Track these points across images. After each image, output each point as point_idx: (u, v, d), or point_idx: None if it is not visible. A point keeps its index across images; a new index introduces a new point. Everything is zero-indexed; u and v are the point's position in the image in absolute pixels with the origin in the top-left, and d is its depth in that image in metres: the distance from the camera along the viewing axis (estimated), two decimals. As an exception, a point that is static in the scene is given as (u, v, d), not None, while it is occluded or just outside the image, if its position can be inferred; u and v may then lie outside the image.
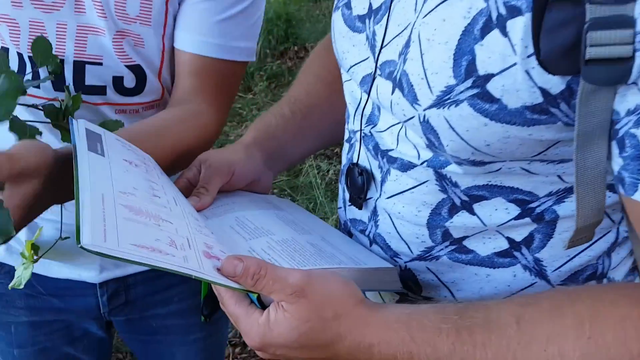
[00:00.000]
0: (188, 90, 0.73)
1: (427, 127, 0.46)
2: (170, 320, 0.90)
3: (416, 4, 0.47)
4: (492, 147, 0.44)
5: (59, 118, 0.63)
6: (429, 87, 0.45)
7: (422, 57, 0.45)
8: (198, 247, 0.46)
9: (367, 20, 0.53)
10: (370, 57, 0.53)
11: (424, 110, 0.46)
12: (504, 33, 0.40)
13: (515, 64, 0.40)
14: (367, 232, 0.59)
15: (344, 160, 0.63)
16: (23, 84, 0.57)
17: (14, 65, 0.71)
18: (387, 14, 0.50)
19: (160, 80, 0.76)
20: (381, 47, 0.51)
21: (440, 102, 0.44)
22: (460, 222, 0.51)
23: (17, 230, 0.49)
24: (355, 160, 0.58)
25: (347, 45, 0.56)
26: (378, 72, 0.51)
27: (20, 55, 0.70)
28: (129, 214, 0.44)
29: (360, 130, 0.57)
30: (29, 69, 0.71)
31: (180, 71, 0.74)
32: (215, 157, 0.63)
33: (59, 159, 0.51)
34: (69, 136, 0.60)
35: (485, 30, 0.41)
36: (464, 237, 0.52)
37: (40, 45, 0.64)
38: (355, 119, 0.58)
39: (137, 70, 0.73)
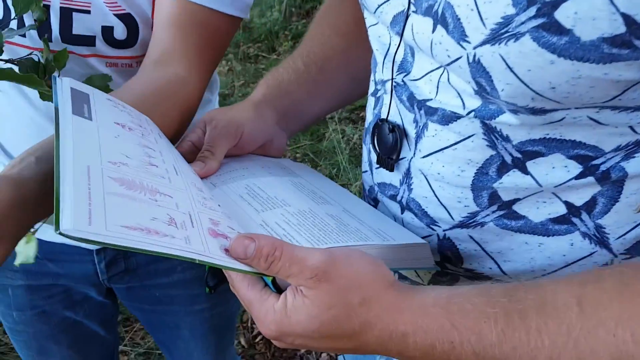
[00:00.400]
0: (167, 48, 0.63)
1: (478, 69, 0.39)
2: (174, 290, 0.86)
3: None
4: (558, 90, 0.37)
5: (38, 74, 0.56)
6: (481, 19, 0.37)
7: None
8: (202, 225, 0.40)
9: None
10: None
11: (474, 48, 0.38)
12: None
13: None
14: (398, 198, 0.52)
15: (369, 117, 0.56)
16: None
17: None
18: None
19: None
20: None
21: (495, 36, 0.37)
22: (511, 183, 0.44)
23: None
24: (384, 116, 0.51)
25: None
26: (412, 8, 0.44)
27: (4, 1, 0.65)
28: (119, 189, 0.38)
29: (392, 79, 0.50)
30: (14, 14, 0.64)
31: (160, 21, 0.65)
32: (222, 117, 0.57)
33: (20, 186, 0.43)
34: (50, 96, 0.54)
35: None
36: (515, 201, 0.45)
37: None
38: (385, 68, 0.50)
39: (128, 20, 0.66)
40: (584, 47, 0.34)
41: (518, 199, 0.45)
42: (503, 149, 0.43)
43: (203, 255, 0.36)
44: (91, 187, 0.36)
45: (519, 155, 0.43)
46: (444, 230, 0.50)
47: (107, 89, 0.61)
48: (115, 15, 0.66)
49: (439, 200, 0.48)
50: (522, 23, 0.36)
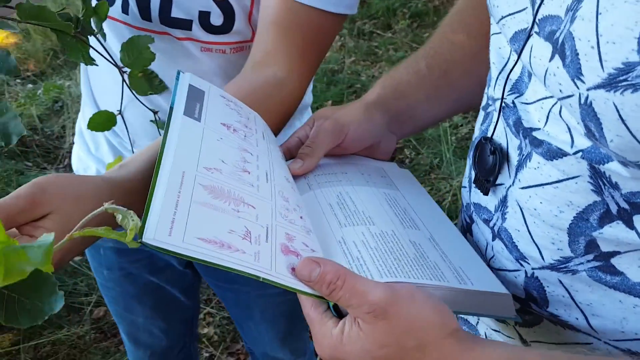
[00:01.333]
0: (269, 49, 0.63)
1: (589, 113, 0.35)
2: None
3: None
4: None
5: (75, 29, 0.54)
6: (600, 60, 0.34)
7: (597, 17, 0.34)
8: (277, 239, 0.41)
9: None
10: (528, 7, 0.40)
11: (588, 90, 0.35)
12: None
13: None
14: (491, 223, 0.48)
15: (476, 131, 0.52)
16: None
17: None
18: None
19: (250, 22, 0.68)
20: None
21: (612, 82, 0.33)
22: (612, 235, 0.40)
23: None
24: (489, 134, 0.47)
25: None
26: (535, 28, 0.40)
27: None
28: (206, 198, 0.40)
29: (502, 98, 0.45)
30: None
31: (263, 21, 0.64)
32: (329, 115, 0.56)
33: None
34: (77, 53, 0.54)
35: None
36: (614, 254, 0.41)
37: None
38: (498, 84, 0.46)
39: (226, 7, 0.66)
40: None
41: (618, 252, 0.40)
42: (610, 196, 0.39)
43: (268, 274, 0.37)
44: (181, 194, 0.38)
45: (627, 207, 0.39)
46: (532, 269, 0.46)
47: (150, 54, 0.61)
48: (214, 1, 0.65)
49: (531, 236, 0.44)
50: None
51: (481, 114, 0.52)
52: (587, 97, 0.35)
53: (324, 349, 0.40)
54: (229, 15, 0.66)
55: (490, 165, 0.46)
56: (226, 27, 0.67)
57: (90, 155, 0.83)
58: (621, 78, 0.33)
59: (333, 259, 0.42)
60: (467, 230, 0.53)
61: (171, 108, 0.46)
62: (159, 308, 0.96)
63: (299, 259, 0.40)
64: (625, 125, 0.34)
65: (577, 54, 0.35)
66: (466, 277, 0.43)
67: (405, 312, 0.37)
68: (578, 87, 0.36)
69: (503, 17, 0.44)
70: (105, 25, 0.64)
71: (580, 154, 0.39)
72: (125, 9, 0.68)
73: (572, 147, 0.40)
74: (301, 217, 0.46)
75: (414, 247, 0.45)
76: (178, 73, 0.51)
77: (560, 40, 0.37)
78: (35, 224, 0.42)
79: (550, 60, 0.38)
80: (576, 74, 0.35)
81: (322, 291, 0.38)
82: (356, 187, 0.52)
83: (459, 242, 0.49)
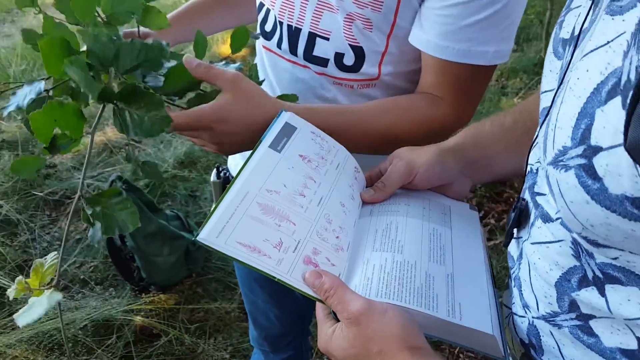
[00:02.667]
0: (429, 86, 0.73)
1: (548, 185, 0.41)
2: None
3: (587, 39, 0.39)
4: (597, 230, 0.37)
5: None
6: (553, 141, 0.39)
7: (560, 105, 0.39)
8: (303, 252, 0.51)
9: (567, 47, 0.44)
10: (555, 89, 0.45)
11: (547, 164, 0.40)
12: (624, 104, 0.32)
13: (622, 144, 0.33)
14: (512, 271, 0.53)
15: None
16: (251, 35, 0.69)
17: (270, 24, 0.82)
18: (574, 45, 0.41)
19: (379, 65, 0.76)
20: (560, 82, 0.42)
21: (555, 161, 0.39)
22: (586, 299, 0.44)
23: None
24: (522, 194, 0.52)
25: (547, 68, 0.48)
26: (555, 102, 0.44)
27: (275, 17, 0.80)
28: (257, 213, 0.51)
29: (526, 163, 0.52)
30: (278, 30, 0.80)
31: (424, 66, 0.73)
32: (404, 155, 0.63)
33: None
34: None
35: (611, 94, 0.34)
36: (591, 316, 0.44)
37: (239, 34, 0.71)
38: (532, 151, 0.51)
39: (358, 51, 0.74)
40: (611, 198, 0.34)
41: (594, 316, 0.44)
42: (586, 263, 0.43)
43: (281, 276, 0.48)
44: (238, 208, 0.50)
45: (600, 275, 0.42)
46: (532, 317, 0.50)
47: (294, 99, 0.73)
48: (349, 45, 0.74)
49: (532, 287, 0.49)
50: (572, 158, 0.37)
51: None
52: (546, 171, 0.40)
53: (321, 342, 0.50)
54: (359, 58, 0.75)
55: (513, 219, 0.52)
56: (356, 67, 0.76)
57: None
58: (560, 159, 0.38)
59: (352, 276, 0.52)
60: (511, 278, 0.56)
61: (261, 140, 0.57)
62: (275, 295, 1.06)
63: (316, 269, 0.50)
64: (563, 199, 0.38)
65: (547, 133, 0.41)
66: (459, 312, 0.49)
67: (374, 323, 0.46)
68: (543, 161, 0.41)
69: (542, 93, 0.49)
70: (264, 52, 0.78)
71: (560, 220, 0.44)
72: (279, 44, 0.80)
73: (555, 213, 0.45)
74: (337, 237, 0.54)
75: (425, 279, 0.51)
76: (280, 111, 0.61)
77: (549, 117, 0.42)
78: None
79: (541, 130, 0.43)
80: (544, 149, 0.41)
81: (321, 296, 0.49)
82: (409, 219, 0.59)
83: (477, 285, 0.53)
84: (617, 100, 0.33)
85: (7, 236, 2.12)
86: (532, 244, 0.49)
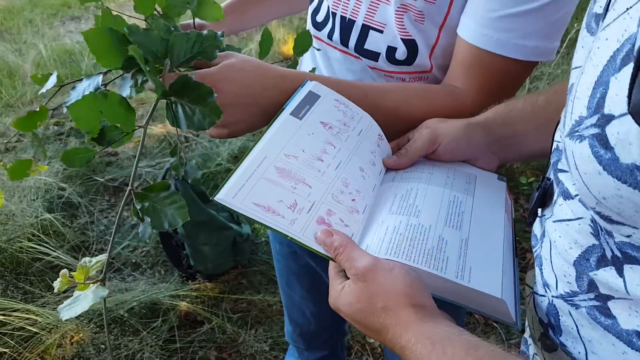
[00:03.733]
0: (454, 76, 0.70)
1: (566, 158, 0.39)
2: None
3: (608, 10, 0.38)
4: (609, 203, 0.36)
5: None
6: (572, 112, 0.38)
7: (581, 75, 0.38)
8: (317, 213, 0.52)
9: (599, 22, 0.42)
10: (583, 66, 0.42)
11: (565, 136, 0.39)
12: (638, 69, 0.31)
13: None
14: (534, 250, 0.52)
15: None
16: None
17: (323, 14, 0.81)
18: (603, 18, 0.39)
19: (430, 58, 0.73)
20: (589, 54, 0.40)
21: (572, 132, 0.38)
22: (604, 279, 0.42)
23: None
24: (548, 173, 0.50)
25: (579, 44, 0.46)
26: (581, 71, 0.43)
27: (328, 7, 0.80)
28: (274, 176, 0.52)
29: (552, 140, 0.51)
30: (330, 21, 0.80)
31: (455, 57, 0.70)
32: (430, 125, 0.63)
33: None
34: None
35: (625, 60, 0.33)
36: (610, 297, 0.43)
37: (303, 38, 0.71)
38: (558, 129, 0.49)
39: (411, 45, 0.72)
40: (621, 168, 0.33)
41: (612, 297, 0.42)
42: (605, 242, 0.41)
43: (295, 234, 0.50)
44: (256, 171, 0.51)
45: (619, 255, 0.40)
46: (552, 296, 0.49)
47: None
48: (401, 39, 0.72)
49: (552, 266, 0.48)
50: (587, 127, 0.36)
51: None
52: (564, 142, 0.39)
53: (330, 299, 0.51)
54: (412, 52, 0.73)
55: (535, 198, 0.50)
56: (408, 61, 0.74)
57: None
58: (575, 129, 0.37)
59: (365, 236, 0.53)
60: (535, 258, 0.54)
61: (283, 107, 0.59)
62: (312, 291, 1.05)
63: (328, 229, 0.51)
64: (578, 170, 0.37)
65: (567, 106, 0.40)
66: (468, 275, 0.49)
67: (380, 279, 0.46)
68: (563, 135, 0.40)
69: (572, 69, 0.47)
70: (314, 42, 0.78)
71: (578, 197, 0.42)
72: (330, 35, 0.80)
73: (574, 189, 0.43)
74: (353, 200, 0.55)
75: (437, 241, 0.52)
76: (305, 80, 0.61)
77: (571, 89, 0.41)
78: None
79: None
80: (564, 122, 0.40)
81: (331, 254, 0.50)
82: (431, 186, 0.59)
83: (492, 251, 0.53)
84: (630, 67, 0.32)
85: (68, 217, 2.23)
86: (554, 222, 0.48)
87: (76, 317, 1.73)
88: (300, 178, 0.54)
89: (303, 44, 0.70)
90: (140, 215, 0.54)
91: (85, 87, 0.61)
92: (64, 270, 0.54)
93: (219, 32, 0.63)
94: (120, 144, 0.58)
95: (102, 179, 2.45)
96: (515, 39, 0.64)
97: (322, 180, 0.55)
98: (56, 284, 0.54)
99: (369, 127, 0.64)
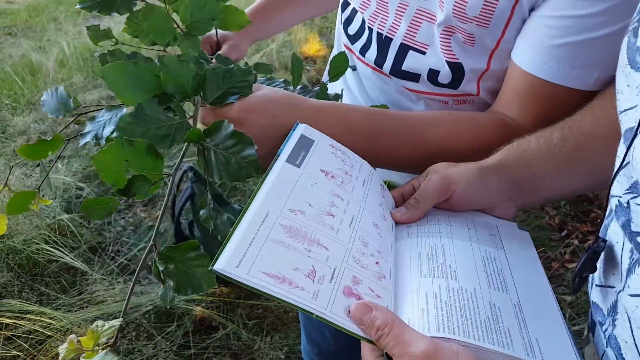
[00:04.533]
0: (506, 105, 0.63)
1: None
2: None
3: None
4: None
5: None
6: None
7: None
8: (342, 281, 0.43)
9: None
10: (638, 105, 0.37)
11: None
12: None
13: None
14: (603, 328, 0.43)
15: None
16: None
17: (356, 26, 0.76)
18: None
19: (478, 83, 0.66)
20: None
21: None
22: None
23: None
24: (603, 233, 0.42)
25: (622, 83, 0.40)
26: None
27: (363, 20, 0.73)
28: (282, 236, 0.43)
29: (608, 196, 0.42)
30: (366, 36, 0.74)
31: (506, 82, 0.64)
32: (440, 170, 0.55)
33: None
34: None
35: None
36: None
37: (339, 61, 0.66)
38: (616, 180, 0.41)
39: (457, 68, 0.66)
40: None
41: None
42: None
43: (322, 312, 0.40)
44: (259, 231, 0.42)
45: None
46: None
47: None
48: (447, 61, 0.66)
49: (637, 350, 0.40)
50: None
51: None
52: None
53: None
54: (457, 76, 0.66)
55: (581, 263, 0.42)
56: (453, 85, 0.67)
57: None
58: None
59: (401, 306, 0.43)
60: (591, 330, 0.47)
61: (278, 154, 0.51)
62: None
63: (364, 302, 0.41)
64: None
65: (630, 153, 0.32)
66: (538, 350, 0.41)
67: None
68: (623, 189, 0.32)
69: (621, 112, 0.41)
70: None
71: None
72: (363, 51, 0.74)
73: None
74: (377, 263, 0.46)
75: (490, 309, 0.43)
76: (296, 124, 0.55)
77: None
78: None
79: None
80: (626, 175, 0.32)
81: (371, 335, 0.39)
82: (455, 240, 0.51)
83: (550, 315, 0.45)
84: None
85: (84, 217, 2.22)
86: (633, 296, 0.39)
87: (89, 321, 1.71)
88: (314, 238, 0.45)
89: (339, 66, 0.65)
90: (162, 277, 0.49)
91: (106, 120, 0.56)
92: (72, 337, 0.48)
93: (248, 67, 0.58)
94: (146, 196, 0.53)
95: (120, 179, 2.44)
96: (578, 68, 0.58)
97: (338, 240, 0.47)
98: (62, 351, 0.47)
99: (370, 177, 0.58)
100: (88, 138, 0.56)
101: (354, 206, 0.51)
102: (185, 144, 0.52)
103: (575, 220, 2.19)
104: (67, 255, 1.94)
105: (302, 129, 0.55)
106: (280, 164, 0.50)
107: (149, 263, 2.01)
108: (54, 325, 1.68)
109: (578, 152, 0.54)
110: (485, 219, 0.56)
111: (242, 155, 0.48)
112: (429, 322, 0.41)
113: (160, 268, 0.48)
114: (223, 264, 0.38)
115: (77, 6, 0.64)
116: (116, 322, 0.48)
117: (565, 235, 2.11)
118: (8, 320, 1.66)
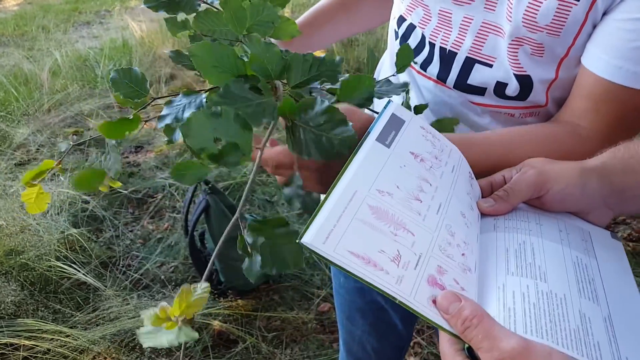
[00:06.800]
0: (579, 113, 0.62)
1: None
2: None
3: None
4: None
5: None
6: None
7: None
8: (426, 269, 0.42)
9: None
10: None
11: None
12: None
13: None
14: None
15: None
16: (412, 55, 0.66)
17: (415, 42, 0.75)
18: None
19: (547, 94, 0.66)
20: None
21: None
22: None
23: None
24: None
25: None
26: None
27: (423, 36, 0.73)
28: (369, 217, 0.42)
29: None
30: (426, 51, 0.73)
31: (577, 89, 0.63)
32: (539, 166, 0.53)
33: None
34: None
35: None
36: None
37: (404, 52, 0.65)
38: None
39: (525, 81, 0.65)
40: None
41: None
42: None
43: (405, 298, 0.39)
44: (347, 209, 0.42)
45: None
46: None
47: (451, 131, 0.66)
48: (514, 74, 0.65)
49: None
50: None
51: None
52: None
53: None
54: (525, 88, 0.66)
55: None
56: (521, 97, 0.67)
57: None
58: None
59: (485, 302, 0.42)
60: None
61: (368, 132, 0.50)
62: (377, 327, 1.00)
63: (452, 291, 0.41)
64: None
65: None
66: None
67: None
68: None
69: None
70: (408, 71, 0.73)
71: None
72: (424, 66, 0.73)
73: None
74: (463, 254, 0.45)
75: (580, 319, 0.41)
76: (388, 102, 0.53)
77: None
78: None
79: None
80: None
81: (457, 327, 0.38)
82: (545, 241, 0.49)
83: None
84: None
85: (93, 232, 2.19)
86: None
87: (107, 339, 1.69)
88: (400, 222, 0.43)
89: (405, 58, 0.64)
90: (249, 250, 0.47)
91: (185, 104, 0.55)
92: (164, 304, 0.46)
93: (337, 58, 0.57)
94: (236, 165, 0.52)
95: (125, 191, 2.40)
96: None
97: (424, 226, 0.45)
98: (146, 317, 0.45)
99: (460, 163, 0.56)
100: (168, 120, 0.55)
101: (442, 193, 0.50)
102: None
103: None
104: (79, 271, 1.91)
105: (393, 108, 0.54)
106: (370, 143, 0.48)
107: (162, 277, 1.99)
108: (71, 344, 1.65)
109: None
110: (578, 223, 0.54)
111: (335, 132, 0.47)
112: (516, 322, 0.39)
113: (249, 240, 0.47)
114: (311, 237, 0.38)
115: (143, 5, 0.63)
116: (205, 292, 0.46)
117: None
118: (26, 342, 1.63)
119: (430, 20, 0.71)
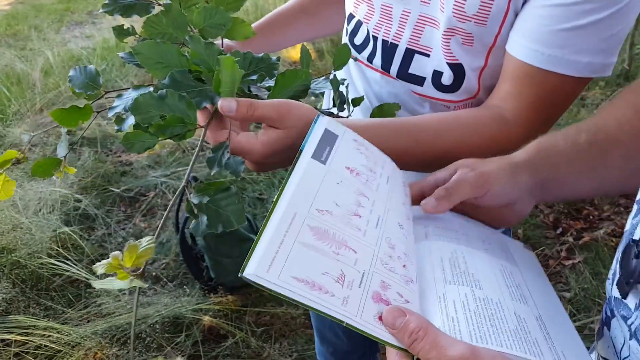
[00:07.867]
0: (503, 96, 0.66)
1: None
2: None
3: None
4: None
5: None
6: None
7: None
8: (370, 286, 0.41)
9: None
10: None
11: None
12: None
13: None
14: (629, 322, 0.44)
15: (627, 225, 0.47)
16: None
17: (362, 37, 0.80)
18: None
19: (479, 81, 0.70)
20: None
21: None
22: None
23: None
24: (637, 236, 0.42)
25: None
26: None
27: (368, 31, 0.77)
28: (310, 239, 0.41)
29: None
30: (371, 45, 0.78)
31: (502, 74, 0.67)
32: (476, 167, 0.55)
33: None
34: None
35: None
36: None
37: (342, 52, 0.69)
38: None
39: (457, 69, 0.70)
40: None
41: None
42: None
43: (353, 319, 0.38)
44: (287, 234, 0.40)
45: None
46: None
47: (393, 116, 0.71)
48: (447, 63, 0.70)
49: None
50: None
51: (635, 207, 0.46)
52: None
53: None
54: (458, 76, 0.70)
55: (632, 268, 0.42)
56: (454, 86, 0.71)
57: None
58: None
59: (428, 314, 0.42)
60: (606, 324, 0.48)
61: (301, 150, 0.49)
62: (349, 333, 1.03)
63: (396, 306, 0.40)
64: None
65: None
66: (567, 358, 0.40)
67: None
68: None
69: None
70: (351, 62, 0.79)
71: None
72: (370, 59, 0.78)
73: None
74: (404, 266, 0.45)
75: (516, 320, 0.42)
76: (317, 117, 0.53)
77: None
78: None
79: None
80: None
81: (404, 341, 0.38)
82: (473, 250, 0.50)
83: (569, 332, 0.45)
84: None
85: (86, 230, 2.21)
86: None
87: (99, 334, 1.72)
88: (341, 240, 0.43)
89: (342, 57, 0.68)
90: (195, 211, 0.51)
91: (133, 96, 0.60)
92: (117, 253, 0.47)
93: (275, 57, 0.62)
94: (181, 139, 0.55)
95: (117, 190, 2.43)
96: (569, 55, 0.61)
97: (365, 242, 0.45)
98: (100, 266, 0.47)
99: (394, 173, 0.56)
100: (118, 109, 0.59)
101: (379, 206, 0.50)
102: (194, 155, 0.56)
103: (568, 217, 2.26)
104: (72, 268, 1.93)
105: (325, 123, 0.53)
106: (306, 160, 0.48)
107: (154, 274, 2.01)
108: (63, 339, 1.68)
109: (601, 159, 0.56)
110: (493, 235, 0.57)
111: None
112: (461, 332, 0.40)
113: (195, 202, 0.51)
114: (254, 268, 0.36)
115: (100, 10, 0.69)
116: (150, 244, 0.47)
117: (561, 232, 2.18)
118: (18, 337, 1.65)
119: (373, 15, 0.76)
